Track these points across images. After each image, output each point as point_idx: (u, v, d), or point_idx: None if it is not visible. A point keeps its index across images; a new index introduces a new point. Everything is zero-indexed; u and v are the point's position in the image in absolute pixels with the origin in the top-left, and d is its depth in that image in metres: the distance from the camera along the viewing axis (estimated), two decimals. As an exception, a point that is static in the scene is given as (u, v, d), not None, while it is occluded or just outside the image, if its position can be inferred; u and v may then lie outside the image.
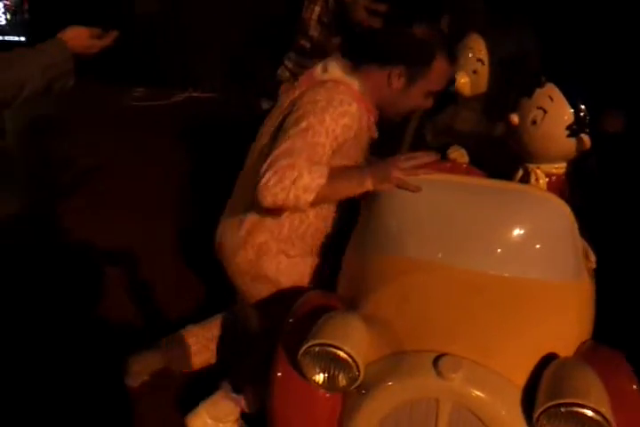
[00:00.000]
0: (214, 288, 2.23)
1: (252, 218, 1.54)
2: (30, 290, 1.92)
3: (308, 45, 2.26)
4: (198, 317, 2.08)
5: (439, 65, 1.46)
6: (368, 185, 1.40)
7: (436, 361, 1.17)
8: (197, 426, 1.64)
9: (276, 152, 1.39)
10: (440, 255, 1.35)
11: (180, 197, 2.76)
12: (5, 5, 3.39)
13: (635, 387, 1.23)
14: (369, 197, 1.46)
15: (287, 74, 2.32)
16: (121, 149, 3.05)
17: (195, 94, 3.47)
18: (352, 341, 1.20)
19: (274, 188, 1.34)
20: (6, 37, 3.40)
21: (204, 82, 3.42)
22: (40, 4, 3.24)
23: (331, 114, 1.41)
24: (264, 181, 1.35)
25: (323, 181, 1.35)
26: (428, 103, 1.55)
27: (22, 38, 3.52)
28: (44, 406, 1.72)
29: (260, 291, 1.60)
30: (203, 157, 2.94)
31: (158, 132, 3.17)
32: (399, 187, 1.39)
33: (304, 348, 1.19)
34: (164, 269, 2.31)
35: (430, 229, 1.37)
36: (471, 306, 1.29)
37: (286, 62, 2.33)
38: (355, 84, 1.48)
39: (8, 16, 3.43)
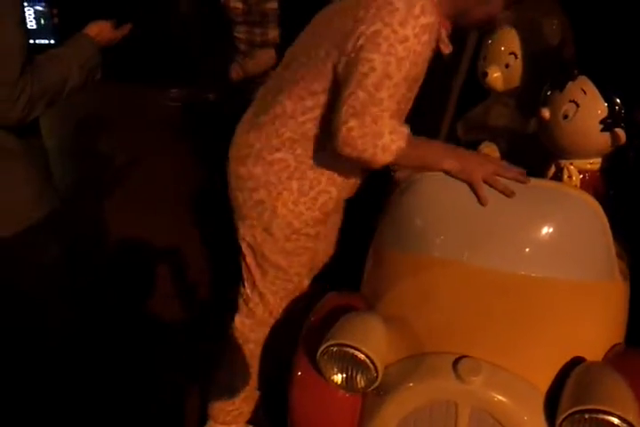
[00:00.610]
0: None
1: (277, 114, 1.42)
2: (66, 277, 1.99)
3: (239, 5, 2.24)
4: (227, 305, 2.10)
5: None
6: (446, 166, 1.29)
7: (455, 364, 1.15)
8: None
9: (358, 90, 1.22)
10: (466, 255, 1.31)
11: (213, 192, 2.79)
12: (36, 11, 3.57)
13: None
14: (394, 194, 1.44)
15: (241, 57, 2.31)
16: (156, 147, 3.11)
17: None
18: (371, 342, 1.19)
19: (356, 140, 1.23)
20: (37, 41, 3.57)
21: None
22: (69, 9, 3.36)
23: (412, 28, 1.20)
24: (346, 128, 1.23)
25: (402, 144, 1.24)
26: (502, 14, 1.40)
27: (52, 41, 3.68)
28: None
29: (246, 196, 1.47)
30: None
31: (192, 131, 3.22)
32: (470, 186, 1.29)
33: (322, 348, 1.18)
34: (192, 258, 2.34)
35: (457, 227, 1.34)
36: (495, 307, 1.25)
37: (239, 45, 2.29)
38: None
39: (41, 21, 3.60)
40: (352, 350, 1.17)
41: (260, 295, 1.55)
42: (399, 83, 1.23)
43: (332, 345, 1.18)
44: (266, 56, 2.28)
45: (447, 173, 1.32)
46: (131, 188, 2.82)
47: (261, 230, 1.48)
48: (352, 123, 1.23)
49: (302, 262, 1.53)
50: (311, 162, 1.42)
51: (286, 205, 1.44)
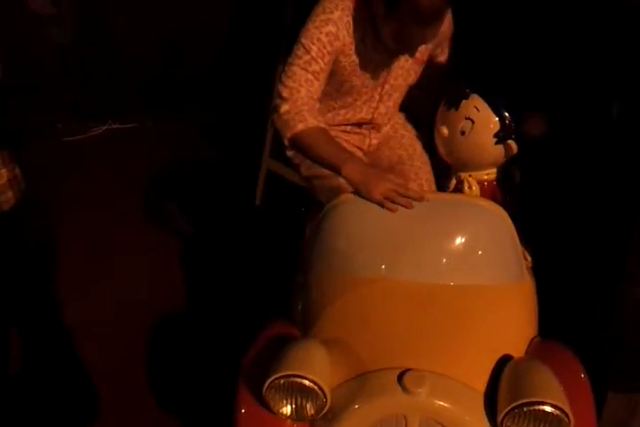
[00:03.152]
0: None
1: None
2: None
3: None
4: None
5: None
6: (345, 171, 1.42)
7: (400, 378, 1.18)
8: None
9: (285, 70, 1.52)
10: (388, 271, 1.36)
11: (98, 234, 2.61)
12: None
13: (583, 376, 1.30)
14: (313, 220, 1.46)
15: None
16: (40, 187, 2.88)
17: (115, 126, 3.33)
18: (315, 368, 1.19)
19: (280, 104, 1.49)
20: None
21: (123, 113, 3.30)
22: None
23: (313, 22, 1.49)
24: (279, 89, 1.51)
25: (299, 128, 1.46)
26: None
27: None
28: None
29: None
30: (124, 192, 2.81)
31: (78, 167, 3.02)
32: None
33: (268, 382, 1.16)
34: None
35: (378, 245, 1.38)
36: (424, 318, 1.31)
37: None
38: None
39: None
40: (299, 380, 1.16)
41: None
42: (310, 63, 1.49)
43: (278, 378, 1.17)
44: None
45: (346, 179, 1.43)
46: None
47: None
48: (280, 86, 1.51)
49: None
50: None
51: None
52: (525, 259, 1.54)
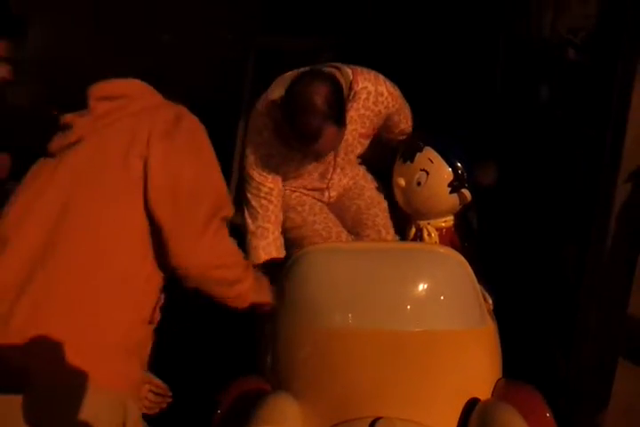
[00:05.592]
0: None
1: None
2: None
3: None
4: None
5: None
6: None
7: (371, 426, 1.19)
8: None
9: None
10: (353, 320, 1.38)
11: None
12: None
13: (548, 415, 1.33)
14: (282, 274, 1.49)
15: None
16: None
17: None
18: (287, 422, 1.20)
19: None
20: None
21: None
22: None
23: (248, 147, 1.68)
24: None
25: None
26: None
27: None
28: None
29: None
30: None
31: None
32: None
33: (241, 438, 1.16)
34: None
35: (340, 295, 1.40)
36: (393, 366, 1.33)
37: None
38: None
39: None
40: (271, 434, 1.16)
41: None
42: (259, 182, 1.67)
43: (251, 433, 1.16)
44: None
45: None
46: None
47: None
48: None
49: None
50: None
51: None
52: (486, 302, 1.58)
